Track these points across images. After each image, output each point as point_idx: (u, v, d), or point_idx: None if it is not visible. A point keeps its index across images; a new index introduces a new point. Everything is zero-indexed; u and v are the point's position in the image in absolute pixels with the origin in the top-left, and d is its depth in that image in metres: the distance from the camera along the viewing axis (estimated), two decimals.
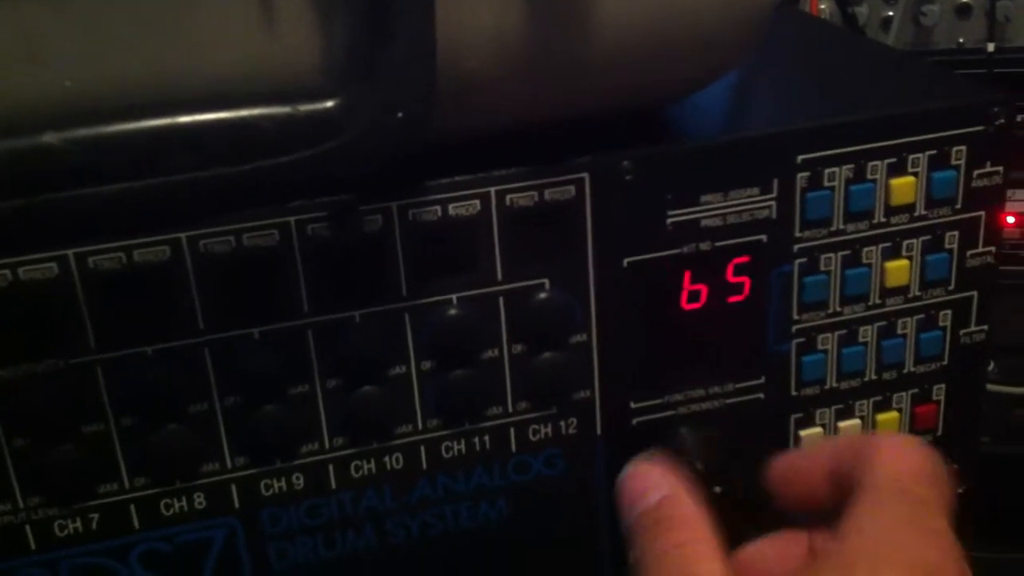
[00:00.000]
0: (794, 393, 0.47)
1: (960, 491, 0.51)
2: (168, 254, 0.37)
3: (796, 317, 0.46)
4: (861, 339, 0.47)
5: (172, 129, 0.32)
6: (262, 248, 0.38)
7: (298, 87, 0.34)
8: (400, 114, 0.34)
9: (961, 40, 0.92)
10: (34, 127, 0.31)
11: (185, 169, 0.32)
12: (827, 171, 0.44)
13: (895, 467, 0.37)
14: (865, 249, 0.46)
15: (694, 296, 0.44)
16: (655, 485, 0.39)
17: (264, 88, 0.33)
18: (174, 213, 0.35)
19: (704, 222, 0.43)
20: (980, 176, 0.46)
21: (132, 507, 0.39)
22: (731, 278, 0.45)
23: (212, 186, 0.33)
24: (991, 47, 0.89)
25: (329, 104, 0.33)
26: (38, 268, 0.36)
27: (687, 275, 0.44)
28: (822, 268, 0.45)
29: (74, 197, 0.32)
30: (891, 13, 0.92)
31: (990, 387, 0.63)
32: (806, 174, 0.44)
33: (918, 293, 0.47)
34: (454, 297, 0.41)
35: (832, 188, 0.44)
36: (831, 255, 0.45)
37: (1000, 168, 0.46)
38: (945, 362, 0.48)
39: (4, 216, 0.32)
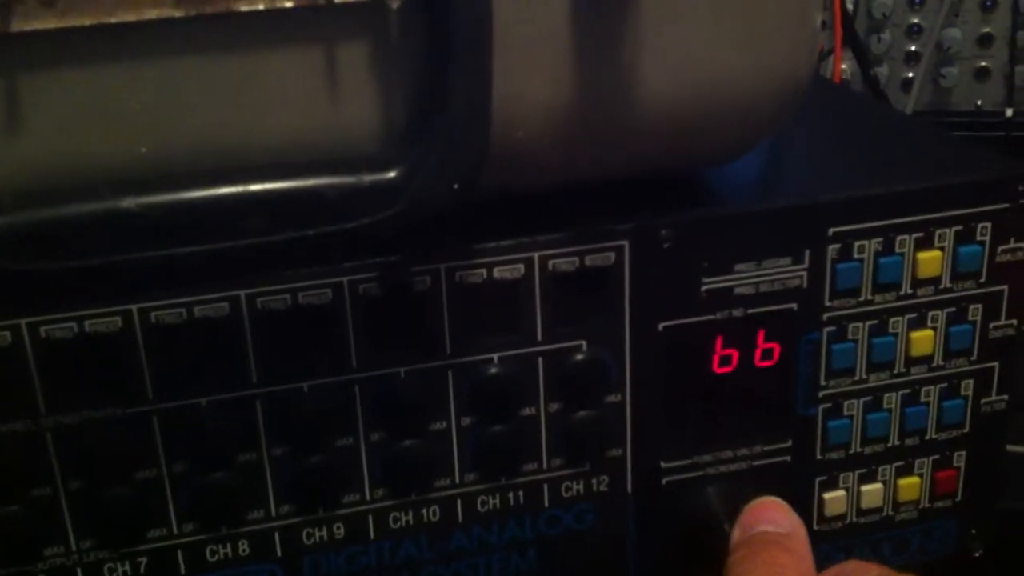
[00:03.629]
0: (819, 456, 0.48)
1: (977, 555, 0.53)
2: (227, 310, 0.38)
3: (823, 383, 0.47)
4: (886, 405, 0.48)
5: (242, 197, 0.33)
6: (315, 306, 0.39)
7: (360, 155, 0.35)
8: (456, 185, 0.36)
9: (979, 103, 0.94)
10: (113, 191, 0.32)
11: (252, 234, 0.33)
12: (857, 243, 0.46)
13: None
14: (892, 319, 0.47)
15: (725, 360, 0.46)
16: (789, 520, 0.42)
17: (328, 155, 0.35)
18: (236, 272, 0.37)
19: (737, 290, 0.45)
20: (1004, 251, 0.47)
21: (179, 552, 0.41)
22: (762, 344, 0.46)
23: (276, 249, 0.34)
24: (1009, 112, 0.90)
25: (391, 174, 0.35)
26: (103, 321, 0.37)
27: (719, 340, 0.45)
28: (850, 336, 0.47)
29: (145, 257, 0.33)
30: (911, 75, 0.94)
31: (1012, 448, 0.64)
32: (837, 246, 0.45)
33: (941, 362, 0.48)
34: (495, 356, 0.42)
35: (861, 260, 0.46)
36: (859, 324, 0.47)
37: None
38: (966, 430, 0.50)
39: (77, 274, 0.33)
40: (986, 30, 0.92)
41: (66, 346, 0.37)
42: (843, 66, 0.92)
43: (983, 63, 0.93)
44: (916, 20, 0.93)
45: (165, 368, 0.38)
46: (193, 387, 0.39)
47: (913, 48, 0.94)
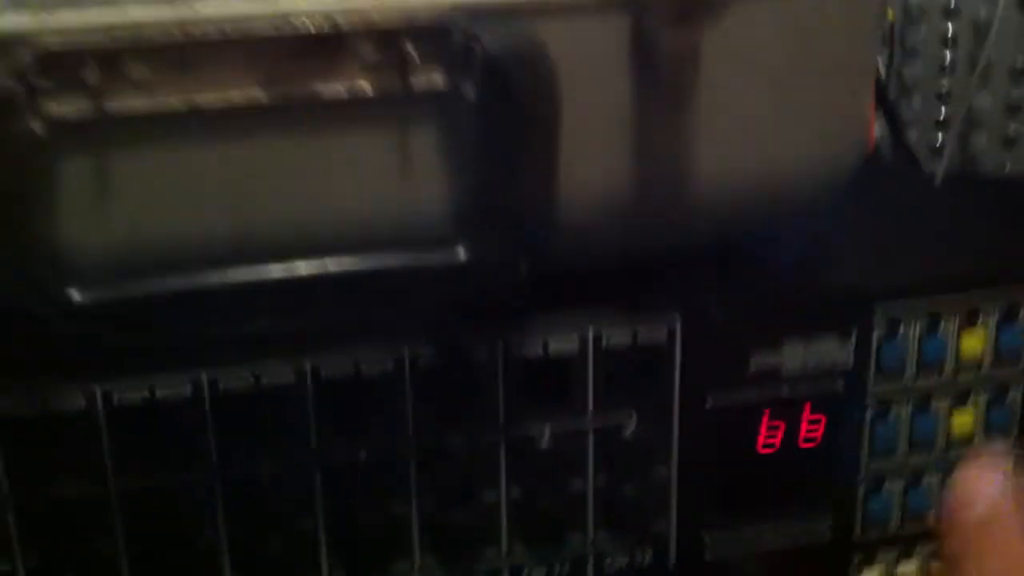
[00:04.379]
0: (858, 533, 0.49)
1: None
2: (292, 378, 0.39)
3: (866, 461, 0.48)
4: (925, 484, 0.49)
5: (319, 275, 0.34)
6: (377, 376, 0.40)
7: (429, 234, 0.36)
8: (520, 266, 0.37)
9: (1008, 167, 0.95)
10: (194, 267, 0.33)
11: (326, 310, 0.34)
12: (903, 323, 0.46)
13: None
14: (934, 399, 0.48)
15: (771, 436, 0.46)
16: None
17: (398, 234, 0.36)
18: (305, 343, 0.37)
19: (785, 367, 0.45)
20: None
21: None
22: (807, 421, 0.46)
23: (345, 324, 0.35)
24: None
25: (461, 255, 0.36)
26: (173, 388, 0.38)
27: (765, 417, 0.46)
28: (892, 416, 0.47)
29: (222, 331, 0.34)
30: (941, 138, 0.95)
31: None
32: (883, 325, 0.46)
33: (981, 442, 0.49)
34: (547, 428, 0.43)
35: (906, 340, 0.46)
36: (902, 404, 0.47)
37: None
38: None
39: (154, 343, 0.34)
40: (1016, 96, 0.93)
41: (136, 412, 0.38)
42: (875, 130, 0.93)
43: (1012, 130, 0.94)
44: (946, 86, 0.94)
45: (230, 435, 0.39)
46: (254, 456, 0.39)
47: (943, 114, 0.95)
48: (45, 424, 0.37)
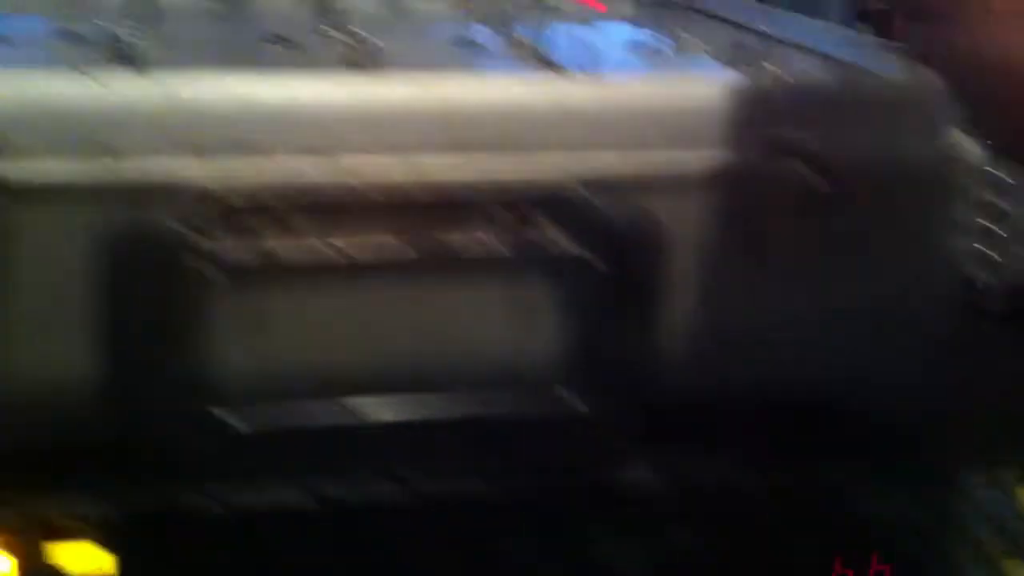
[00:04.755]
0: None
1: None
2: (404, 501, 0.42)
3: None
4: None
5: (436, 418, 0.38)
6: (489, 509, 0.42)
7: (544, 384, 0.39)
8: (632, 414, 0.40)
9: None
10: (334, 399, 0.37)
11: (442, 450, 0.37)
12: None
13: None
14: None
15: None
16: None
17: (515, 383, 0.39)
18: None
19: None
20: None
21: None
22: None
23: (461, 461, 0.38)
24: None
25: (581, 407, 0.39)
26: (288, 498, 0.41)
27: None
28: None
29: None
30: None
31: None
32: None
33: None
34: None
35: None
36: None
37: None
38: None
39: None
40: None
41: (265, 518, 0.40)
42: None
43: None
44: None
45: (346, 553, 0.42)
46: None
47: None
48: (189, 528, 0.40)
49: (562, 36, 0.53)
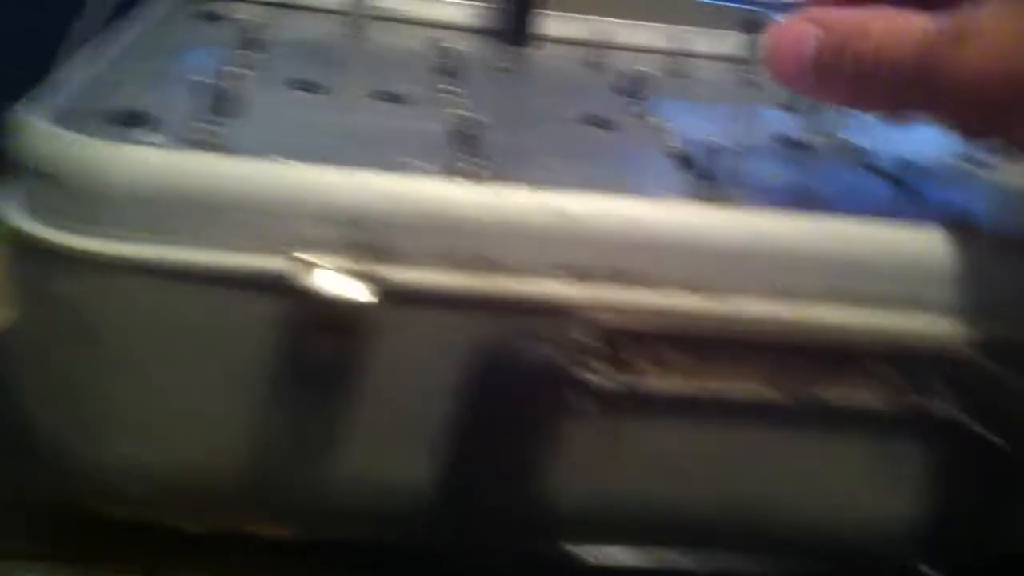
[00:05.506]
0: None
1: None
2: None
3: None
4: None
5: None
6: None
7: (886, 551, 0.36)
8: None
9: None
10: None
11: None
12: None
13: None
14: None
15: None
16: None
17: (855, 547, 0.36)
18: None
19: None
20: None
21: None
22: None
23: None
24: None
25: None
26: None
27: None
28: None
29: None
30: None
31: None
32: None
33: None
34: None
35: None
36: None
37: None
38: None
39: None
40: None
41: None
42: None
43: None
44: None
45: None
46: None
47: None
48: None
49: (894, 145, 0.50)
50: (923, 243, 0.35)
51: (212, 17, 0.58)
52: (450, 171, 0.37)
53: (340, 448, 0.35)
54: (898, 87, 0.35)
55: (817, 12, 0.37)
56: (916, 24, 0.35)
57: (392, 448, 0.35)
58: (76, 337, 0.33)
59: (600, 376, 0.34)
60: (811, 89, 0.38)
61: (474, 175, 0.37)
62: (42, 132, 0.34)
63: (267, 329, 0.33)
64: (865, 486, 0.36)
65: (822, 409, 0.35)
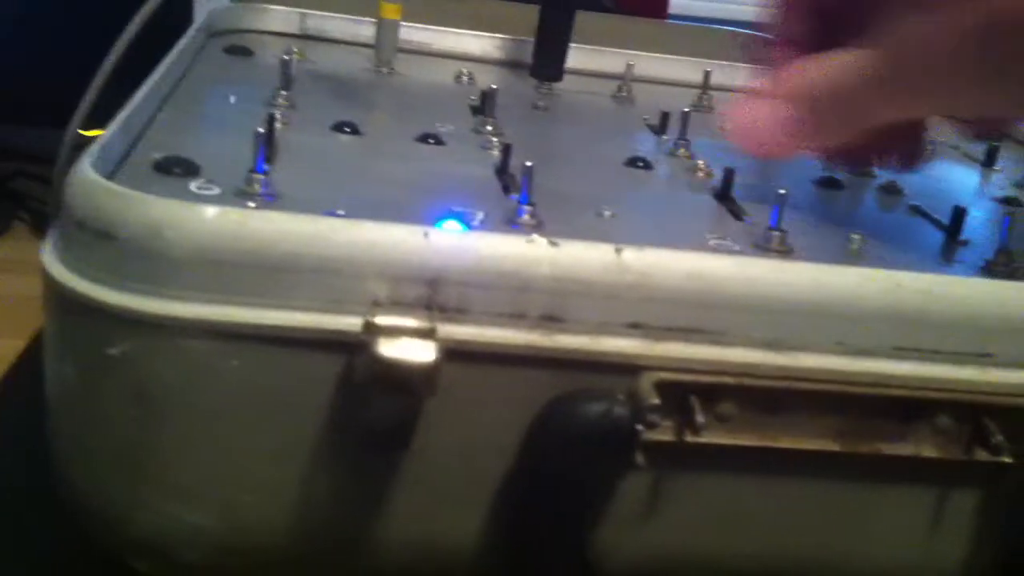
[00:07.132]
0: None
1: None
2: None
3: None
4: None
5: None
6: None
7: None
8: None
9: None
10: None
11: None
12: None
13: None
14: None
15: None
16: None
17: None
18: None
19: None
20: None
21: None
22: None
23: None
24: None
25: None
26: None
27: None
28: None
29: None
30: None
31: None
32: None
33: None
34: None
35: None
36: None
37: None
38: None
39: None
40: None
41: None
42: None
43: None
44: None
45: None
46: None
47: None
48: None
49: (927, 184, 0.50)
50: (991, 296, 0.35)
51: (244, 52, 0.57)
52: (510, 222, 0.37)
53: (402, 509, 0.34)
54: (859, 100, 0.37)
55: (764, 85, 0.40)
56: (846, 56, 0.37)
57: (452, 508, 0.34)
58: (135, 400, 0.33)
59: (665, 433, 0.34)
60: (789, 151, 0.40)
61: (538, 227, 0.37)
62: (100, 189, 0.33)
63: (333, 390, 0.33)
64: (931, 541, 0.36)
65: (888, 463, 0.35)
